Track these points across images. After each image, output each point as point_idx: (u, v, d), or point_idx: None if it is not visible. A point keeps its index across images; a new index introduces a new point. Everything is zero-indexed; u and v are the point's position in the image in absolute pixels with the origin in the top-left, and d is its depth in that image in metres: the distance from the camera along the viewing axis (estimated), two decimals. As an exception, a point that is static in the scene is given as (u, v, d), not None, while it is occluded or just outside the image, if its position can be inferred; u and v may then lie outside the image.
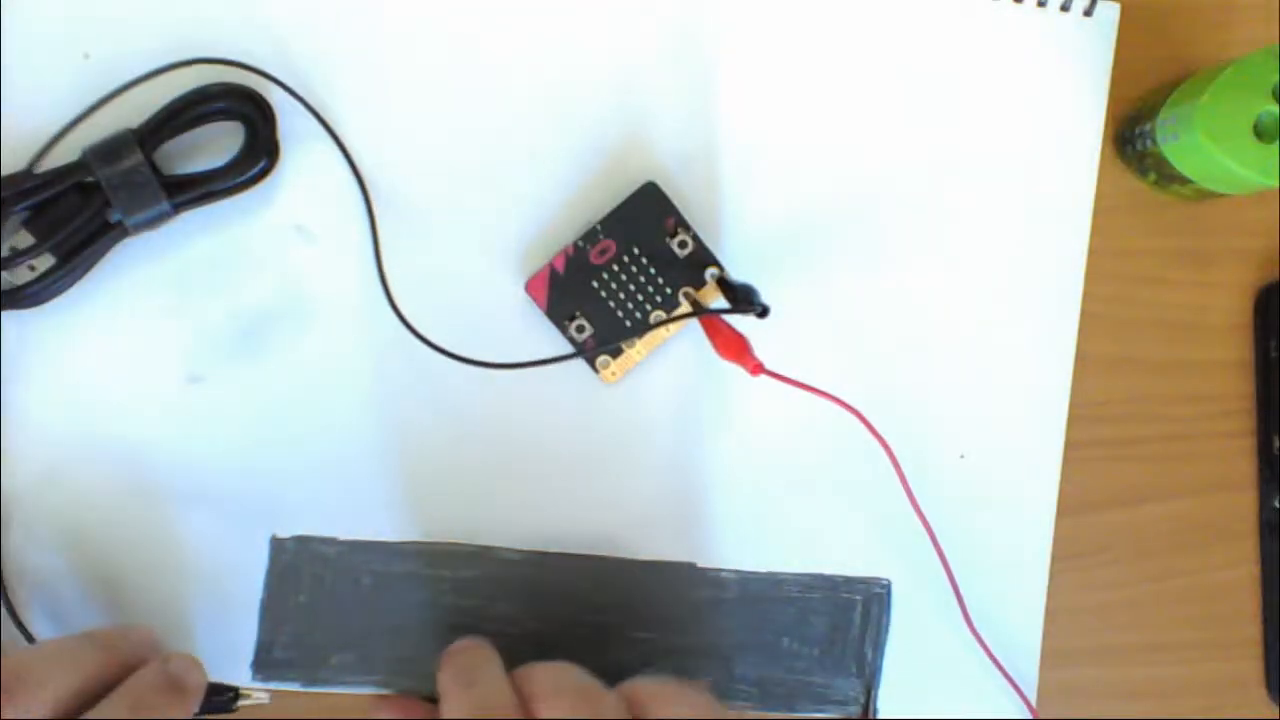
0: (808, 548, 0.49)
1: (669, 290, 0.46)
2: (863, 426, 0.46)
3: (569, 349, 0.46)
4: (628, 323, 0.46)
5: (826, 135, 0.48)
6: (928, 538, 0.47)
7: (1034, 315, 0.49)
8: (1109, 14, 0.49)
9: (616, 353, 0.47)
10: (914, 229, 0.49)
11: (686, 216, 0.46)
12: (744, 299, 0.45)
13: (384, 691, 0.47)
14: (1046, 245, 0.49)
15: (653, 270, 0.46)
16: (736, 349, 0.45)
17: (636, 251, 0.46)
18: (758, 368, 0.44)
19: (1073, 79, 0.49)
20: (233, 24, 0.46)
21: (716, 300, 0.47)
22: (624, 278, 0.46)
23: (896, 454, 0.46)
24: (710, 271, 0.46)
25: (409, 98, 0.47)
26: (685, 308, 0.46)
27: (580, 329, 0.46)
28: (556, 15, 0.47)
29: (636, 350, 0.47)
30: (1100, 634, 0.50)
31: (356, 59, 0.46)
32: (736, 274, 0.47)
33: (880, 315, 0.49)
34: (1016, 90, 0.49)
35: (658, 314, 0.46)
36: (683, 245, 0.46)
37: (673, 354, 0.47)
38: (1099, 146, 0.49)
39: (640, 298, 0.46)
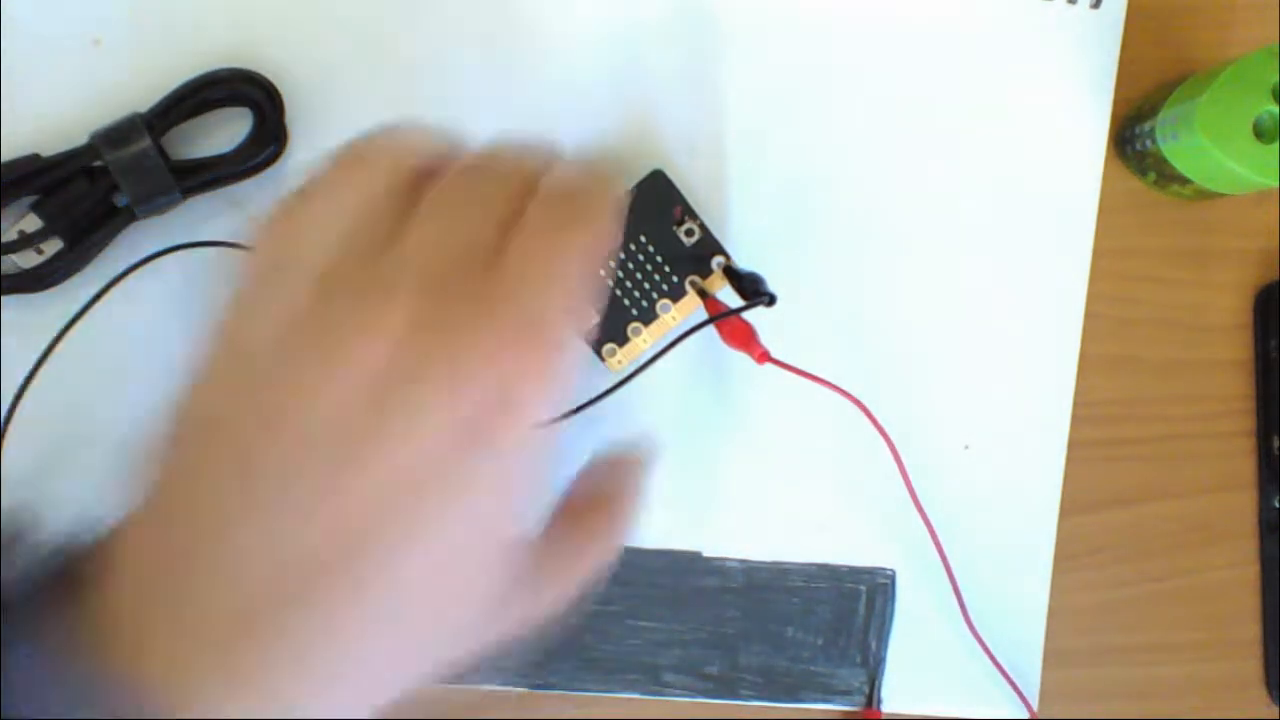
0: (813, 537, 0.49)
1: (675, 279, 0.46)
2: (867, 419, 0.46)
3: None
4: (634, 310, 0.46)
5: (832, 127, 0.48)
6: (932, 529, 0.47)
7: (1038, 310, 0.49)
8: (1116, 6, 0.49)
9: (623, 341, 0.47)
10: (920, 220, 0.49)
11: (693, 205, 0.47)
12: (751, 288, 0.45)
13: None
14: (1051, 238, 0.49)
15: (659, 258, 0.46)
16: (743, 337, 0.45)
17: (644, 239, 0.46)
18: (764, 356, 0.44)
19: (1079, 73, 0.49)
20: (246, 13, 0.46)
21: (723, 289, 0.47)
22: (630, 266, 0.46)
23: (901, 443, 0.46)
24: (717, 260, 0.46)
25: (416, 85, 0.47)
26: (692, 296, 0.46)
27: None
28: (572, 5, 0.47)
29: (643, 339, 0.47)
30: (1100, 634, 0.50)
31: (359, 46, 0.47)
32: (742, 263, 0.47)
33: (886, 305, 0.49)
34: (1023, 84, 0.49)
35: (664, 302, 0.47)
36: (690, 234, 0.46)
37: (679, 342, 0.47)
38: (1105, 140, 0.50)
39: (647, 286, 0.46)
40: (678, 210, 0.46)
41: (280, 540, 0.29)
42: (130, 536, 0.32)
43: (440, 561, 0.30)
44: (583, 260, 0.32)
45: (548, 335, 0.31)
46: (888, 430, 0.46)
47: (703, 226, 0.46)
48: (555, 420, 0.34)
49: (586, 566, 0.36)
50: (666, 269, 0.46)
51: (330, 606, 0.29)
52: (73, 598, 0.30)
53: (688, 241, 0.46)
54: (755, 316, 0.45)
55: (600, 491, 0.37)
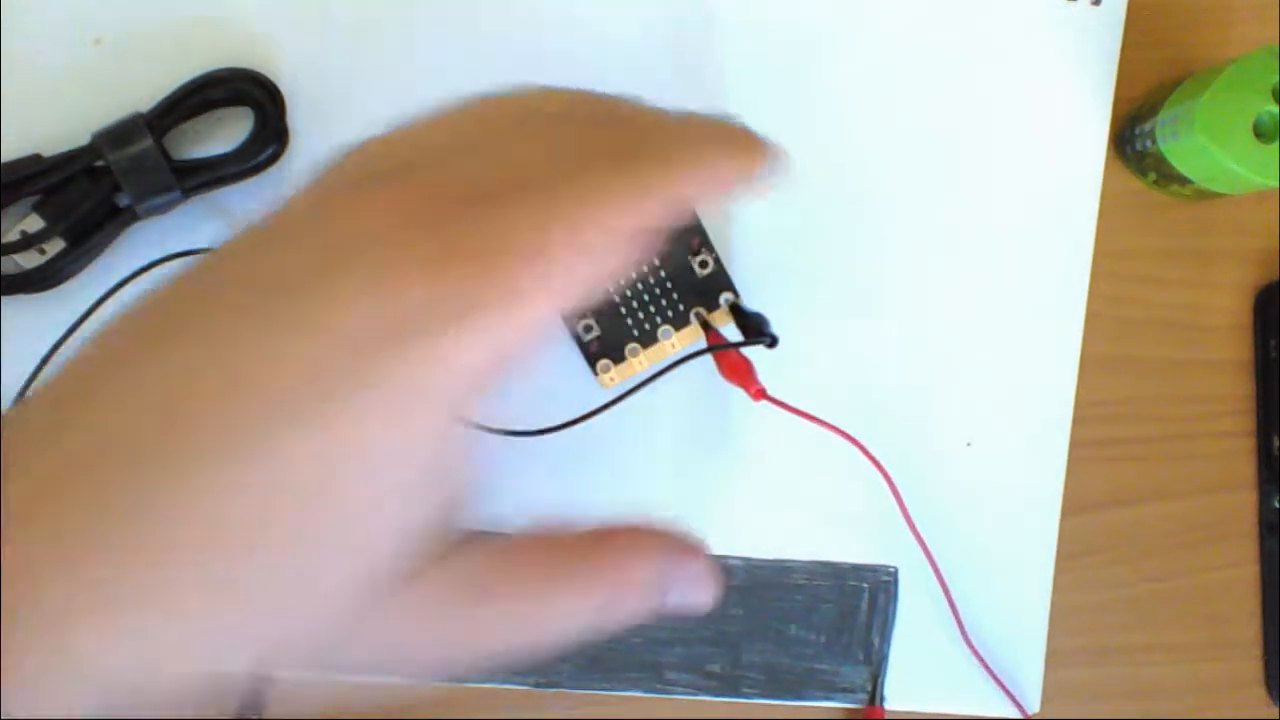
0: (815, 535, 0.49)
1: (682, 307, 0.46)
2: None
3: (571, 345, 0.46)
4: (635, 331, 0.46)
5: (832, 128, 0.48)
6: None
7: (1039, 310, 0.49)
8: (1116, 6, 0.49)
9: (619, 360, 0.46)
10: (921, 220, 0.49)
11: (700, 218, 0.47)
12: (755, 327, 0.45)
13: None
14: (1052, 238, 0.49)
15: (669, 284, 0.46)
16: (741, 372, 0.45)
17: (657, 263, 0.46)
18: (760, 393, 0.45)
19: (1079, 72, 0.49)
20: (247, 13, 0.46)
21: (727, 325, 0.46)
22: (640, 286, 0.46)
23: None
24: (725, 296, 0.46)
25: (418, 85, 0.47)
26: (695, 327, 0.46)
27: (588, 329, 0.46)
28: (573, 5, 0.48)
29: (640, 360, 0.46)
30: (1100, 634, 0.50)
31: (360, 46, 0.47)
32: (743, 264, 0.47)
33: (888, 304, 0.49)
34: (1023, 83, 0.49)
35: (666, 328, 0.46)
36: (703, 265, 0.46)
37: (673, 369, 0.46)
38: (1105, 140, 0.50)
39: (653, 309, 0.46)
40: (695, 240, 0.46)
41: (143, 398, 0.24)
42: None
43: (300, 487, 0.24)
44: (604, 214, 0.26)
45: (532, 275, 0.25)
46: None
47: (717, 260, 0.45)
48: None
49: (516, 630, 0.27)
50: (674, 296, 0.46)
51: (154, 494, 0.23)
52: None
53: (700, 273, 0.46)
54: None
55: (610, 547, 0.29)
